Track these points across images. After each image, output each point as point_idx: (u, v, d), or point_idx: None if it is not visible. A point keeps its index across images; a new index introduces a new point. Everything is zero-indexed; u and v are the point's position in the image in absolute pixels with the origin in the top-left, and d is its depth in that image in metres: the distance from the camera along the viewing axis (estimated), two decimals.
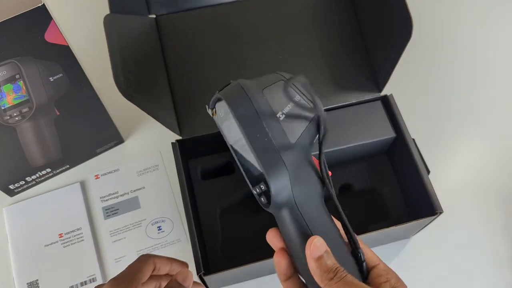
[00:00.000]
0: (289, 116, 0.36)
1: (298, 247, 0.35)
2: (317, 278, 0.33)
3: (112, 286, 0.40)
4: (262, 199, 0.37)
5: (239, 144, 0.39)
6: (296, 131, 0.36)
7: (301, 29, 0.64)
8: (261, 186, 0.36)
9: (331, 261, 0.34)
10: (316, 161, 0.38)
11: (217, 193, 0.61)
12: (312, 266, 0.34)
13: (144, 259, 0.44)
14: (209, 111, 0.41)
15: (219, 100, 0.39)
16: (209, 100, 0.41)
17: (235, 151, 0.40)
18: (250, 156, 0.37)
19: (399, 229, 0.54)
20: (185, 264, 0.48)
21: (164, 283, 0.46)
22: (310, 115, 0.37)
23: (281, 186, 0.35)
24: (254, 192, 0.37)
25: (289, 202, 0.35)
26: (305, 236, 0.35)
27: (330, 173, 0.38)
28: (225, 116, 0.39)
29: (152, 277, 0.45)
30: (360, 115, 0.60)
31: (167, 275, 0.47)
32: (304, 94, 0.37)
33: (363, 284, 0.33)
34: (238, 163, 0.40)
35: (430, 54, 0.75)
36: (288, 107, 0.36)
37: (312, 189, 0.36)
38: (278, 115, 0.36)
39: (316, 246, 0.34)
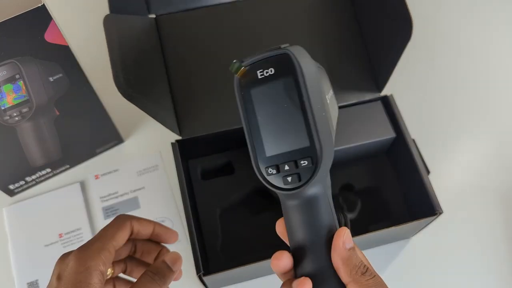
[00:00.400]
0: (331, 101, 0.35)
1: (320, 239, 0.32)
2: (345, 271, 0.31)
3: (77, 256, 0.35)
4: (289, 178, 0.32)
5: (288, 106, 0.32)
6: (333, 120, 0.35)
7: (301, 29, 0.64)
8: (302, 162, 0.31)
9: (361, 255, 0.32)
10: None
11: (217, 193, 0.61)
12: (343, 256, 0.31)
13: (119, 222, 0.38)
14: (236, 68, 0.34)
15: (276, 56, 0.32)
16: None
17: (270, 115, 0.33)
18: (300, 123, 0.31)
19: (399, 229, 0.54)
20: (170, 231, 0.42)
21: (142, 248, 0.42)
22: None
23: (326, 168, 0.32)
24: (285, 168, 0.32)
25: (323, 188, 0.32)
26: (331, 228, 0.32)
27: None
28: (276, 75, 0.32)
29: (129, 241, 0.41)
30: (360, 115, 0.60)
31: (148, 240, 0.42)
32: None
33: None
34: (264, 132, 0.34)
35: (430, 54, 0.75)
36: (330, 93, 0.35)
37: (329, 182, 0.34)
38: (327, 96, 0.33)
39: (349, 237, 0.32)
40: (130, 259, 0.43)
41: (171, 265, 0.38)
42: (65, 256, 0.37)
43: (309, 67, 0.32)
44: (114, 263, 0.41)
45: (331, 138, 0.32)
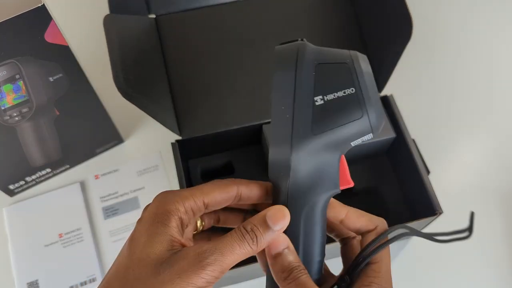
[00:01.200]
0: (329, 105, 0.32)
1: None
2: (274, 277, 0.32)
3: (158, 198, 0.32)
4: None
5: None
6: (326, 124, 0.32)
7: (301, 29, 0.64)
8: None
9: (288, 260, 0.32)
10: (344, 167, 0.35)
11: None
12: (269, 262, 0.32)
13: (222, 183, 0.34)
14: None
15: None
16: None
17: None
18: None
19: None
20: (259, 186, 0.35)
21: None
22: (355, 117, 0.32)
23: (277, 173, 0.33)
24: None
25: (283, 191, 0.33)
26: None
27: (351, 183, 0.36)
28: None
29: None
30: None
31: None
32: (361, 90, 0.32)
33: (316, 287, 0.31)
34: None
35: (430, 54, 0.75)
36: (333, 96, 0.32)
37: (315, 191, 0.33)
38: (316, 99, 0.32)
39: (277, 243, 0.32)
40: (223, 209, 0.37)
41: (271, 223, 0.31)
42: (149, 204, 0.33)
43: (288, 68, 0.33)
44: (204, 215, 0.37)
45: (288, 143, 0.32)
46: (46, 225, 0.62)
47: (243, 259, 0.31)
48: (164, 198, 0.32)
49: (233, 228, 0.32)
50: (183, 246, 0.30)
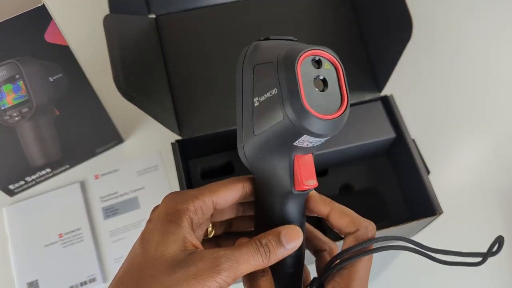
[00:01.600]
0: (262, 106, 0.31)
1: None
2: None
3: (168, 197, 0.33)
4: None
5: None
6: (262, 125, 0.31)
7: (301, 29, 0.64)
8: None
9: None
10: (304, 167, 0.33)
11: None
12: None
13: (229, 181, 0.35)
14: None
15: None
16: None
17: None
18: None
19: (399, 229, 0.54)
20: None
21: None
22: (278, 119, 0.30)
23: (247, 165, 0.34)
24: None
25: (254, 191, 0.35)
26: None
27: (315, 183, 0.34)
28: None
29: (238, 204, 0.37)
30: (360, 115, 0.60)
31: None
32: (281, 90, 0.30)
33: None
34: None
35: (430, 54, 0.75)
36: (264, 97, 0.31)
37: (272, 194, 0.34)
38: (254, 100, 0.32)
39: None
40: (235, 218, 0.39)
41: (285, 241, 0.32)
42: (157, 205, 0.34)
43: (239, 71, 0.33)
44: (216, 223, 0.38)
45: (241, 141, 0.34)
46: (46, 225, 0.62)
47: (254, 270, 0.31)
48: (174, 198, 0.32)
49: (241, 235, 0.33)
50: (195, 247, 0.31)
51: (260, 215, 0.35)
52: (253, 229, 0.37)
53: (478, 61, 0.75)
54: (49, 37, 0.46)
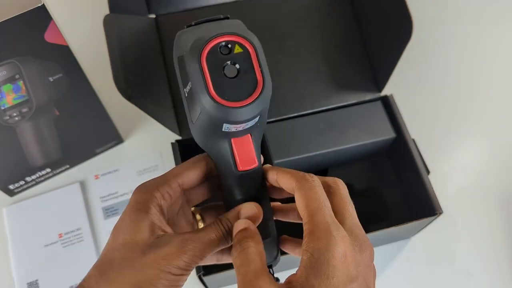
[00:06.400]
0: (189, 95, 0.32)
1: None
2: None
3: (136, 190, 0.35)
4: None
5: None
6: (193, 115, 0.32)
7: (301, 29, 0.64)
8: None
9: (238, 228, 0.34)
10: (243, 149, 0.34)
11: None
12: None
13: (191, 161, 0.37)
14: None
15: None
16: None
17: None
18: None
19: (399, 229, 0.54)
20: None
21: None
22: (199, 110, 0.31)
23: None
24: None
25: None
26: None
27: (255, 163, 0.35)
28: None
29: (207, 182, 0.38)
30: (360, 115, 0.60)
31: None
32: (196, 83, 0.30)
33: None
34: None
35: (430, 54, 0.75)
36: (187, 89, 0.32)
37: (225, 176, 0.35)
38: (184, 90, 0.32)
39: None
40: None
41: (241, 216, 0.35)
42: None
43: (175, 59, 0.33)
44: (206, 210, 0.39)
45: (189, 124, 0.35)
46: (46, 225, 0.62)
47: (219, 249, 0.34)
48: (141, 188, 0.35)
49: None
50: (164, 231, 0.33)
51: (224, 193, 0.37)
52: None
53: (479, 61, 0.75)
54: (49, 37, 0.46)
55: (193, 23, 0.33)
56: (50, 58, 0.48)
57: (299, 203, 0.32)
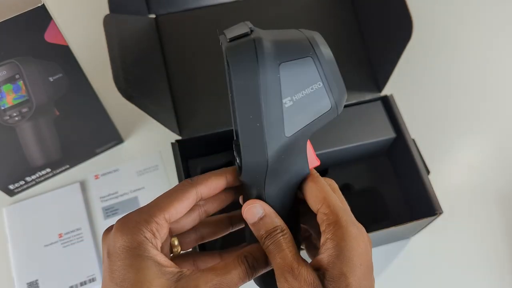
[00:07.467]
0: (298, 104, 0.31)
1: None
2: (256, 237, 0.34)
3: (118, 229, 0.32)
4: (237, 163, 0.34)
5: (232, 107, 0.34)
6: (298, 123, 0.31)
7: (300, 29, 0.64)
8: (237, 159, 0.34)
9: (265, 225, 0.33)
10: (310, 149, 0.35)
11: None
12: (251, 228, 0.34)
13: (178, 190, 0.33)
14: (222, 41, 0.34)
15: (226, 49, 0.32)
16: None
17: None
18: (237, 128, 0.32)
19: (399, 229, 0.54)
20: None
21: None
22: (326, 109, 0.32)
23: (253, 176, 0.33)
24: (235, 152, 0.34)
25: (259, 187, 0.34)
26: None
27: (318, 162, 0.36)
28: (227, 69, 0.33)
29: (196, 208, 0.36)
30: (360, 115, 0.60)
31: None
32: (327, 80, 0.31)
33: (286, 251, 0.32)
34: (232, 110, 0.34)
35: (430, 54, 0.75)
36: (301, 94, 0.31)
37: (289, 179, 0.34)
38: (284, 101, 0.30)
39: (251, 212, 0.34)
40: (201, 224, 0.38)
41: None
42: (108, 231, 0.33)
43: (249, 74, 0.30)
44: (182, 236, 0.37)
45: (263, 152, 0.31)
46: (46, 225, 0.62)
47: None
48: (128, 229, 0.31)
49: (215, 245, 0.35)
50: (173, 267, 0.31)
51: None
52: (221, 234, 0.39)
53: (479, 61, 0.75)
54: (49, 37, 0.46)
55: (225, 34, 0.34)
56: (50, 58, 0.48)
57: (314, 195, 0.33)
